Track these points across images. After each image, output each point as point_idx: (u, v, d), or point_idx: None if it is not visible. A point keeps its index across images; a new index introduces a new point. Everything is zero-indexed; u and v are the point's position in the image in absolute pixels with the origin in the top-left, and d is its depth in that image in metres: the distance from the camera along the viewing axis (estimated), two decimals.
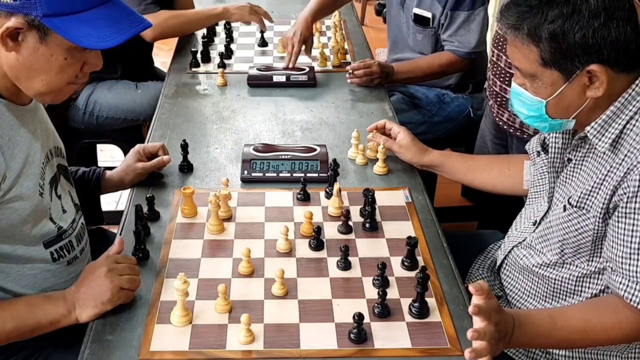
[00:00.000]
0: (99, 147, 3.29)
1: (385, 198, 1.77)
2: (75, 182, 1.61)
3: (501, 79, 2.27)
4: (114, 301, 1.37)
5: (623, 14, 1.28)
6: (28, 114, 1.40)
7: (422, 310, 1.39)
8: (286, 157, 1.86)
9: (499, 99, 2.32)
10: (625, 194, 1.29)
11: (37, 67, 1.28)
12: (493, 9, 3.65)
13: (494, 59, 2.30)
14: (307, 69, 2.43)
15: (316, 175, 1.84)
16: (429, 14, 2.60)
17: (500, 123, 2.34)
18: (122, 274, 1.38)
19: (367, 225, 1.66)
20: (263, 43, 2.74)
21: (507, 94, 2.24)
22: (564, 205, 1.43)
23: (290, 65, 2.46)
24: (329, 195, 1.76)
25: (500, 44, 2.25)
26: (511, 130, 2.30)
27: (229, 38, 2.73)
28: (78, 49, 1.28)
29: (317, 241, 1.58)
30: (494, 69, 2.31)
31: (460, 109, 2.75)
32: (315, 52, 2.65)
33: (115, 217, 1.81)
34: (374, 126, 1.98)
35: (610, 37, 1.27)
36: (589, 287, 1.45)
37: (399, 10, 2.73)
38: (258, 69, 2.44)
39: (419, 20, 2.64)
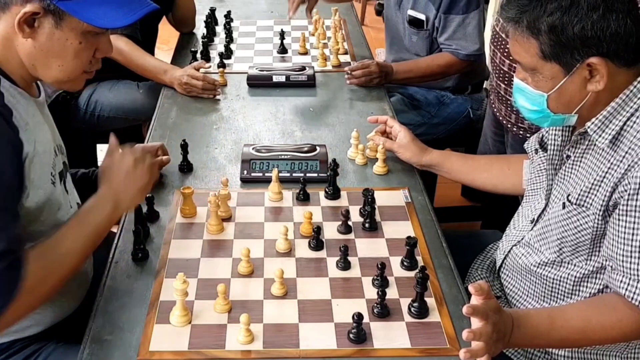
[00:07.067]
0: (99, 147, 3.28)
1: (385, 198, 1.77)
2: (74, 183, 1.61)
3: (496, 75, 2.29)
4: (151, 181, 1.51)
5: (622, 6, 1.27)
6: (39, 106, 1.43)
7: (421, 310, 1.39)
8: (286, 157, 1.86)
9: (498, 95, 2.33)
10: (626, 191, 1.29)
11: (53, 52, 1.32)
12: (494, 8, 3.65)
13: (491, 54, 2.31)
14: (307, 69, 2.43)
15: (316, 175, 1.83)
16: (422, 16, 2.61)
17: (498, 115, 2.35)
18: (144, 158, 1.50)
19: (367, 225, 1.66)
20: (283, 50, 2.66)
21: (501, 89, 2.26)
22: (563, 203, 1.43)
23: (291, 14, 2.58)
24: (328, 195, 1.76)
25: (496, 41, 2.25)
26: (505, 122, 2.30)
27: (229, 38, 2.73)
28: (91, 33, 1.33)
29: (316, 241, 1.58)
30: (492, 64, 2.32)
31: (459, 110, 2.75)
32: (315, 52, 2.65)
33: None
34: (375, 119, 2.00)
35: (609, 30, 1.26)
36: (587, 287, 1.45)
37: (396, 11, 2.74)
38: (258, 69, 2.44)
39: (413, 23, 2.65)
